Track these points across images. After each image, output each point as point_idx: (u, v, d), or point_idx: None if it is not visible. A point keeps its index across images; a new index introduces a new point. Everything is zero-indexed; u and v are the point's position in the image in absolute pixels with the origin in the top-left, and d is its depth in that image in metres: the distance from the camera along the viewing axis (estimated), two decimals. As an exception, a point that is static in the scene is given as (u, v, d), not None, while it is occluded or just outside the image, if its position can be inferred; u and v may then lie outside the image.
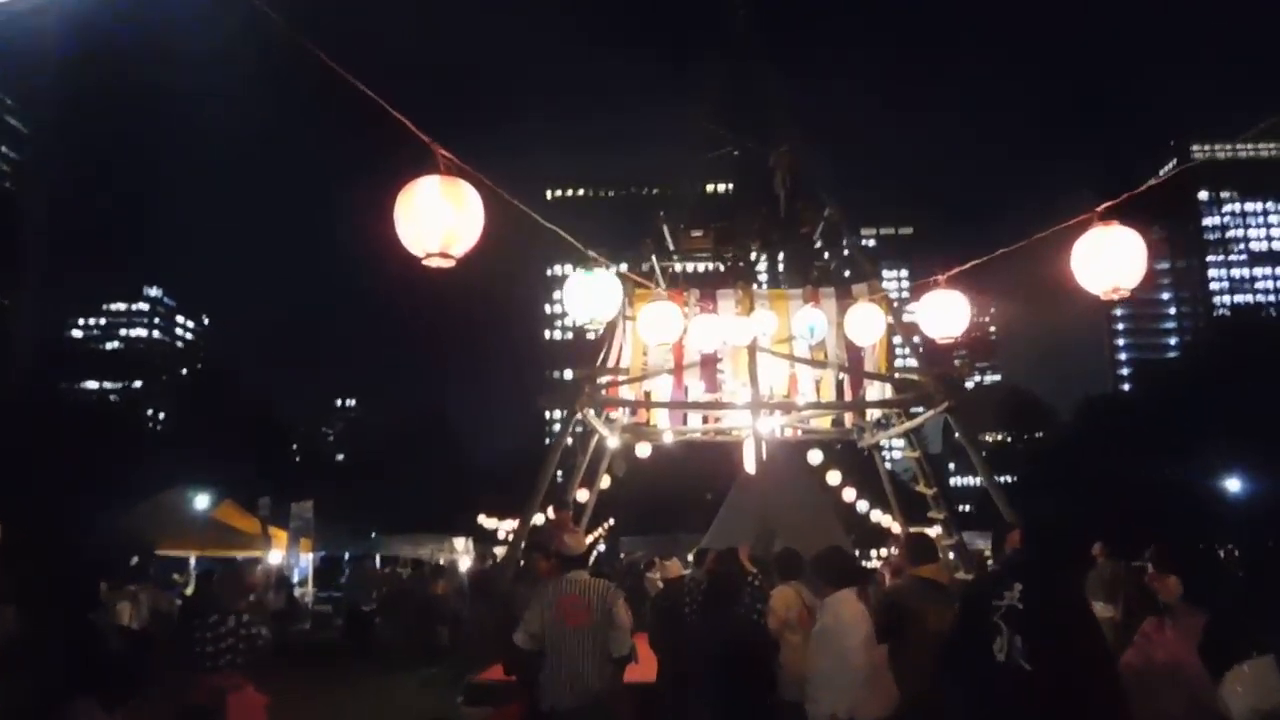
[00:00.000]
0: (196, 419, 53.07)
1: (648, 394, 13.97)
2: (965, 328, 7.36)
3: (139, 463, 36.35)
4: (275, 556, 23.35)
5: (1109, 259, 4.89)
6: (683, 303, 13.10)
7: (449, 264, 3.94)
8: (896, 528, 29.59)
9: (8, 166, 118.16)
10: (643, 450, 19.37)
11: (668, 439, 15.30)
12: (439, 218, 3.85)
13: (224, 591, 6.02)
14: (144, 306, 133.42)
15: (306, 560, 26.43)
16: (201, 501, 24.60)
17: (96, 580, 7.29)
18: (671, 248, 13.64)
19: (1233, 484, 36.72)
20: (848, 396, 13.20)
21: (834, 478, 21.88)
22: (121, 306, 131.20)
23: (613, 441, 14.94)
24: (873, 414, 14.76)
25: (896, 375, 12.74)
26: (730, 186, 15.12)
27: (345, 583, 26.26)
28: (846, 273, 14.11)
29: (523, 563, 9.03)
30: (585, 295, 6.85)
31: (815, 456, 19.96)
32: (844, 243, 14.03)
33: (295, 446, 65.51)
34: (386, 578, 25.52)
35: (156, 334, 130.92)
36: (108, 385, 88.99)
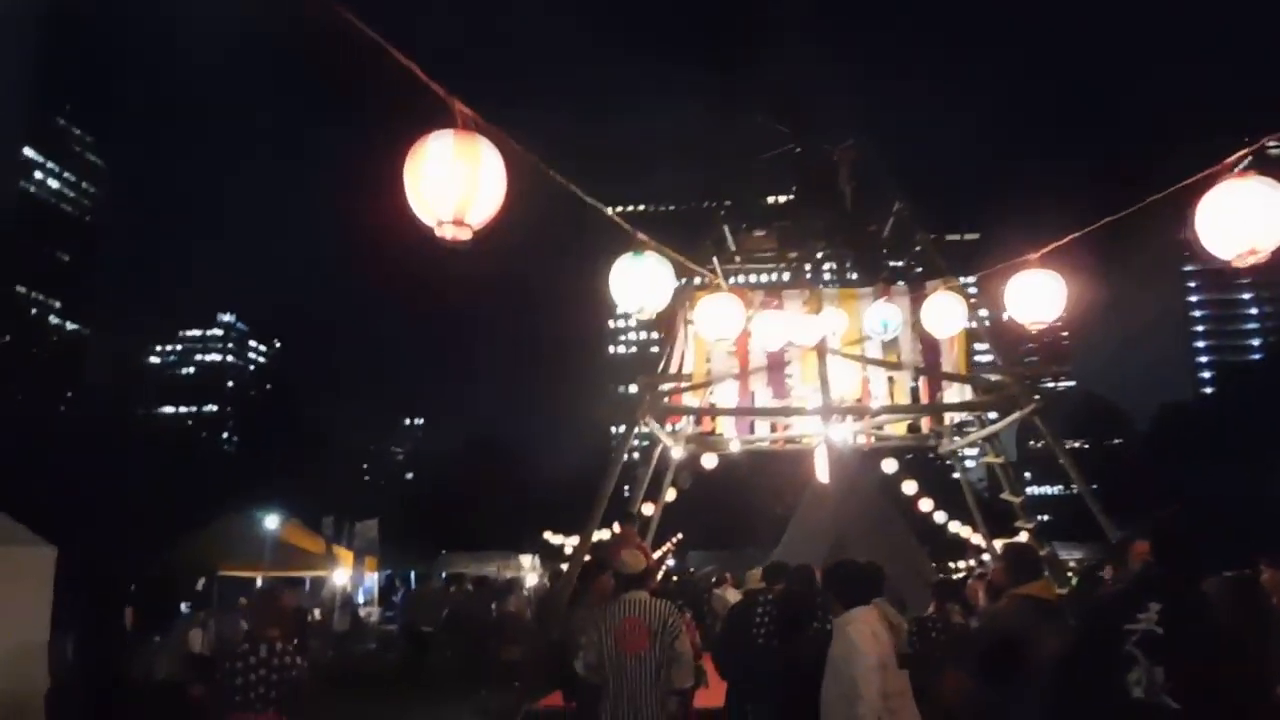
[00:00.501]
0: (266, 441, 53.83)
1: (712, 403, 13.38)
2: (1059, 313, 6.61)
3: (211, 485, 36.85)
4: (340, 576, 23.36)
5: (1244, 214, 4.22)
6: (747, 303, 12.53)
7: (465, 235, 3.44)
8: (976, 539, 28.51)
9: (89, 201, 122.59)
10: (709, 461, 18.79)
11: (735, 448, 14.67)
12: (452, 180, 3.37)
13: (254, 618, 5.48)
14: (218, 332, 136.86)
15: (372, 580, 26.40)
16: (267, 522, 24.68)
17: (164, 603, 6.92)
18: (733, 248, 13.06)
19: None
20: (923, 400, 12.44)
21: (909, 488, 21.04)
22: (197, 332, 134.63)
23: (677, 452, 14.38)
24: (951, 419, 13.97)
25: (978, 376, 11.95)
26: (790, 196, 14.50)
27: (401, 602, 26.09)
28: (919, 269, 13.38)
29: (580, 582, 8.49)
30: (633, 281, 6.19)
31: (889, 465, 19.14)
32: (915, 240, 13.31)
33: (365, 466, 66.19)
34: (448, 596, 25.31)
35: (230, 358, 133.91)
36: (183, 410, 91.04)
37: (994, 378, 11.68)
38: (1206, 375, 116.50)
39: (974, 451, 14.74)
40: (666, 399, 12.60)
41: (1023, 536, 23.72)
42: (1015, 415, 11.39)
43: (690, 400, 12.91)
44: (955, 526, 25.61)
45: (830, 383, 11.77)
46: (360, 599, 25.21)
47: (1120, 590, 4.62)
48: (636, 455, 13.13)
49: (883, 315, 8.89)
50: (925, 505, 22.46)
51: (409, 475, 75.42)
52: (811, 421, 13.90)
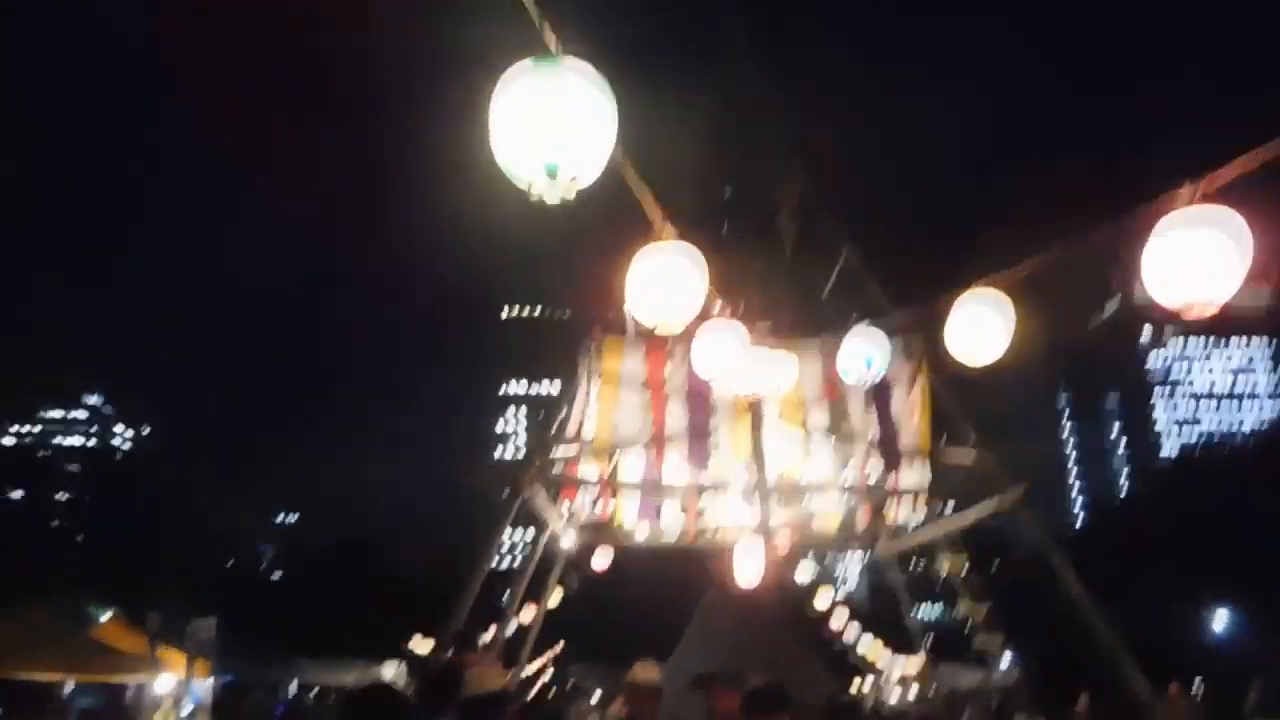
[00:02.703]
0: (113, 532, 49.92)
1: (616, 478, 10.89)
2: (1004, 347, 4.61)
3: (25, 573, 32.82)
4: (167, 681, 20.46)
5: (1197, 257, 3.41)
6: (664, 354, 10.24)
7: (574, 191, 2.68)
8: (888, 657, 26.30)
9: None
10: (600, 560, 16.21)
11: (640, 537, 12.09)
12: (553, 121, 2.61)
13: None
14: (82, 414, 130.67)
15: (203, 687, 23.16)
16: (77, 615, 21.32)
17: None
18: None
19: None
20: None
21: (824, 600, 18.77)
22: (58, 414, 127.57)
23: (567, 541, 11.76)
24: (894, 515, 11.78)
25: (945, 455, 9.81)
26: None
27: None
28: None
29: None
30: (662, 279, 4.18)
31: (806, 570, 16.88)
32: (866, 290, 11.32)
33: (231, 564, 62.17)
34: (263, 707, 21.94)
35: (93, 443, 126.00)
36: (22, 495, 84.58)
37: (965, 459, 9.55)
38: (1077, 510, 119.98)
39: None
40: (560, 468, 10.05)
41: (920, 658, 21.76)
42: (990, 502, 9.24)
43: (589, 471, 10.37)
44: (864, 644, 23.50)
45: (765, 456, 9.47)
46: (185, 710, 21.92)
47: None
48: (517, 555, 10.41)
49: (866, 350, 6.61)
50: (839, 619, 20.26)
51: (275, 575, 71.14)
52: (733, 508, 11.53)
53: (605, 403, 10.05)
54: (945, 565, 10.80)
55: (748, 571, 10.14)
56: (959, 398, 9.89)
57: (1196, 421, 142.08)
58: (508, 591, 11.95)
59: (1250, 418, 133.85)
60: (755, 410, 9.68)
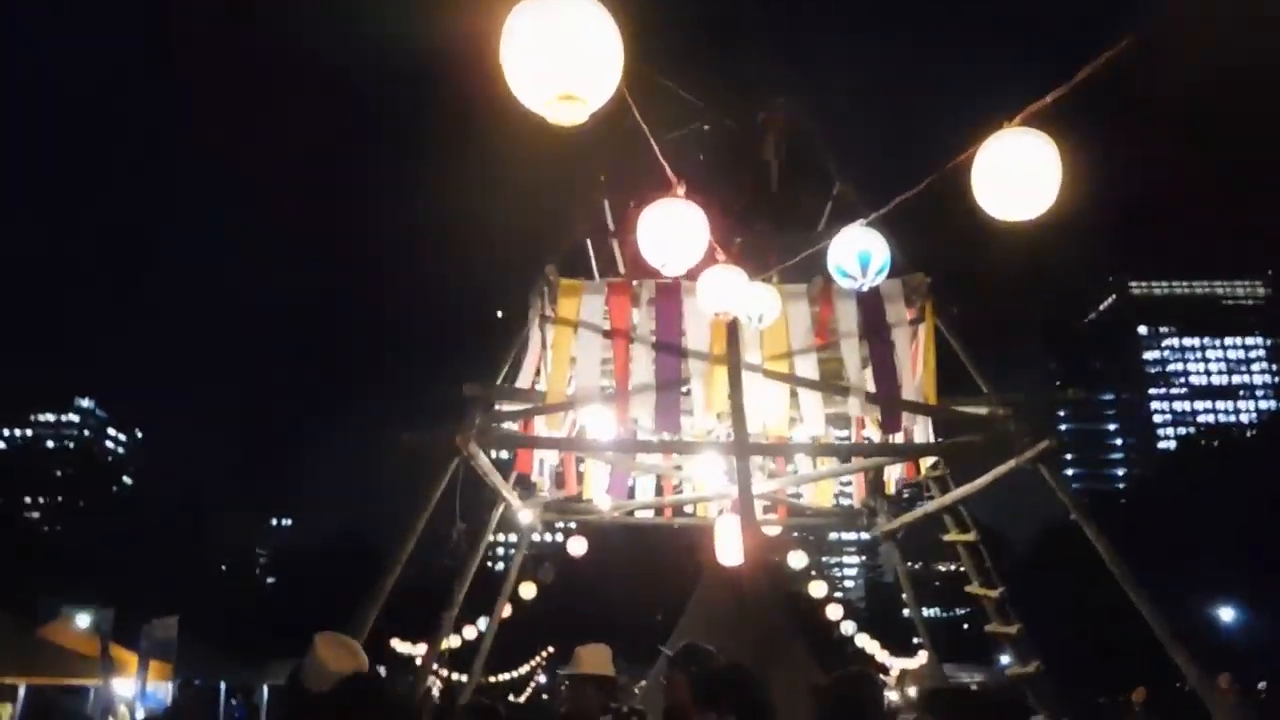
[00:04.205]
0: (108, 536, 49.25)
1: (579, 435, 9.49)
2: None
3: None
4: (125, 685, 19.23)
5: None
6: (629, 299, 8.86)
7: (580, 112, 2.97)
8: (887, 657, 24.93)
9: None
10: (576, 547, 14.82)
11: (609, 513, 10.71)
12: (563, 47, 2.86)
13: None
14: (74, 418, 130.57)
15: (163, 690, 21.89)
16: (32, 614, 20.35)
17: None
18: (611, 227, 9.42)
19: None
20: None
21: (818, 589, 17.42)
22: (50, 417, 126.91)
23: (525, 516, 10.37)
24: (895, 484, 10.40)
25: (954, 406, 8.40)
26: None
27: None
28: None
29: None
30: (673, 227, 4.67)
31: (798, 559, 15.47)
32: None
33: (224, 569, 61.39)
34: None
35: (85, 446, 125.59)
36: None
37: (979, 409, 8.15)
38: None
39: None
40: (510, 425, 8.63)
41: (922, 656, 20.41)
42: (1007, 465, 7.86)
43: (543, 429, 8.96)
44: (862, 640, 22.22)
45: (747, 410, 8.10)
46: (139, 714, 20.65)
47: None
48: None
49: (860, 245, 5.30)
50: (834, 612, 18.93)
51: (270, 579, 70.72)
52: (711, 479, 10.14)
53: (560, 351, 8.66)
54: (955, 536, 9.38)
55: (730, 549, 8.81)
56: (969, 345, 8.51)
57: (1194, 416, 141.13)
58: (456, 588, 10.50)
59: (1246, 413, 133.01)
60: (734, 361, 8.32)
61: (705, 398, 8.51)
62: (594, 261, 9.75)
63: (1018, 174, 3.46)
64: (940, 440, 8.43)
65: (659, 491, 11.33)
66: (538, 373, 8.87)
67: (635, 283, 8.82)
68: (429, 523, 8.12)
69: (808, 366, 8.53)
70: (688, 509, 11.70)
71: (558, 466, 10.44)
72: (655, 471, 11.09)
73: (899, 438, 8.52)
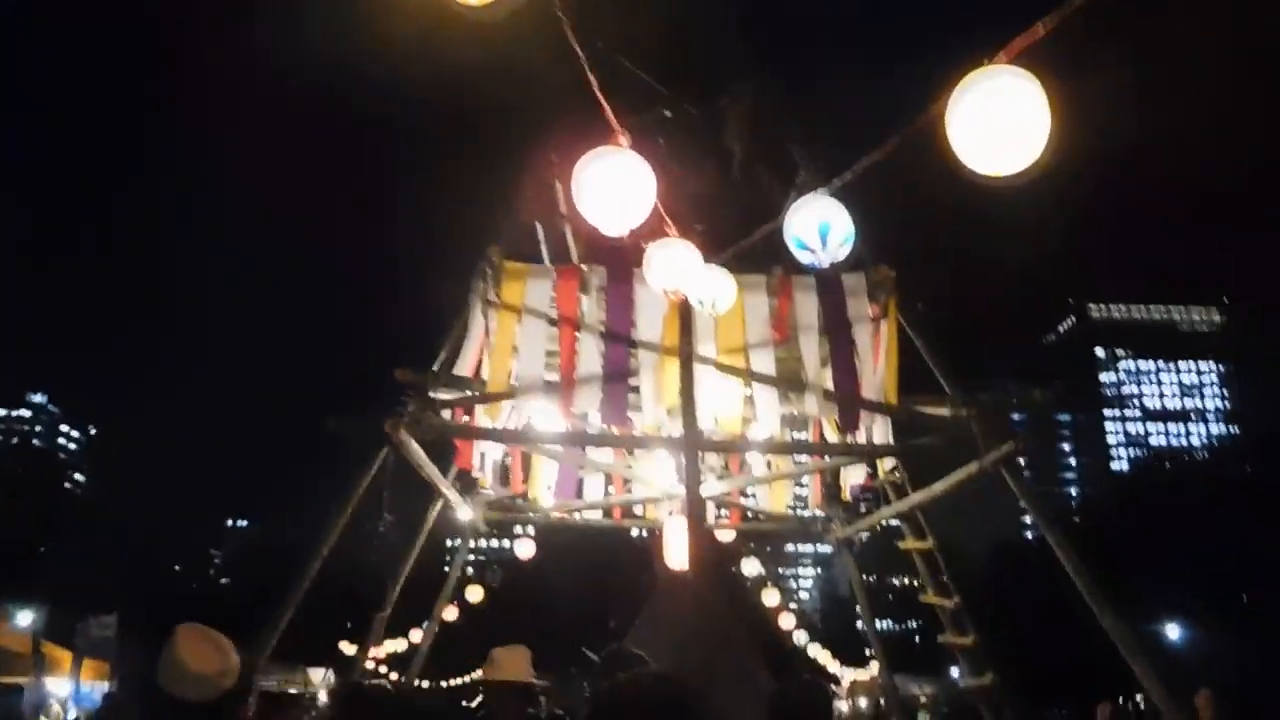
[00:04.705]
0: (58, 534, 48.28)
1: (523, 425, 8.99)
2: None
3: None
4: (59, 684, 19.13)
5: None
6: (578, 285, 8.40)
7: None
8: (838, 667, 24.61)
9: None
10: (524, 550, 14.36)
11: (546, 503, 10.19)
12: None
13: None
14: (25, 413, 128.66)
15: (100, 690, 21.27)
16: None
17: None
18: (564, 210, 8.94)
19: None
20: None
21: (772, 598, 17.01)
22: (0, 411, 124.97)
23: (464, 513, 9.84)
24: (853, 490, 10.01)
25: (918, 407, 8.01)
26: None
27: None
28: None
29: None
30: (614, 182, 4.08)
31: (753, 567, 15.10)
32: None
33: (177, 569, 60.58)
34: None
35: (36, 443, 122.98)
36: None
37: (941, 411, 7.77)
38: (1028, 520, 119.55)
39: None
40: (446, 414, 8.12)
41: (874, 667, 20.10)
42: (969, 468, 7.48)
43: (487, 424, 8.45)
44: (814, 650, 21.89)
45: (698, 404, 7.66)
46: (71, 713, 20.07)
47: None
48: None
49: (820, 215, 4.89)
50: (787, 622, 18.53)
51: (224, 580, 69.68)
52: (661, 477, 9.70)
53: (503, 339, 8.17)
54: (910, 544, 8.99)
55: (677, 550, 8.37)
56: (933, 343, 8.13)
57: (1147, 439, 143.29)
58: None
59: (1197, 436, 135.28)
60: (686, 351, 7.87)
61: (655, 390, 8.06)
62: (543, 246, 9.27)
63: (1001, 121, 3.01)
64: (899, 442, 8.03)
65: (609, 492, 10.85)
66: (480, 362, 8.36)
67: (585, 268, 8.36)
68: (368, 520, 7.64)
69: (764, 362, 8.11)
70: (637, 510, 11.25)
71: (502, 461, 9.93)
72: (606, 470, 10.61)
73: (858, 438, 8.12)
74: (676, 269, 5.61)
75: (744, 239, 7.70)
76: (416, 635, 17.41)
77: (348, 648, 27.72)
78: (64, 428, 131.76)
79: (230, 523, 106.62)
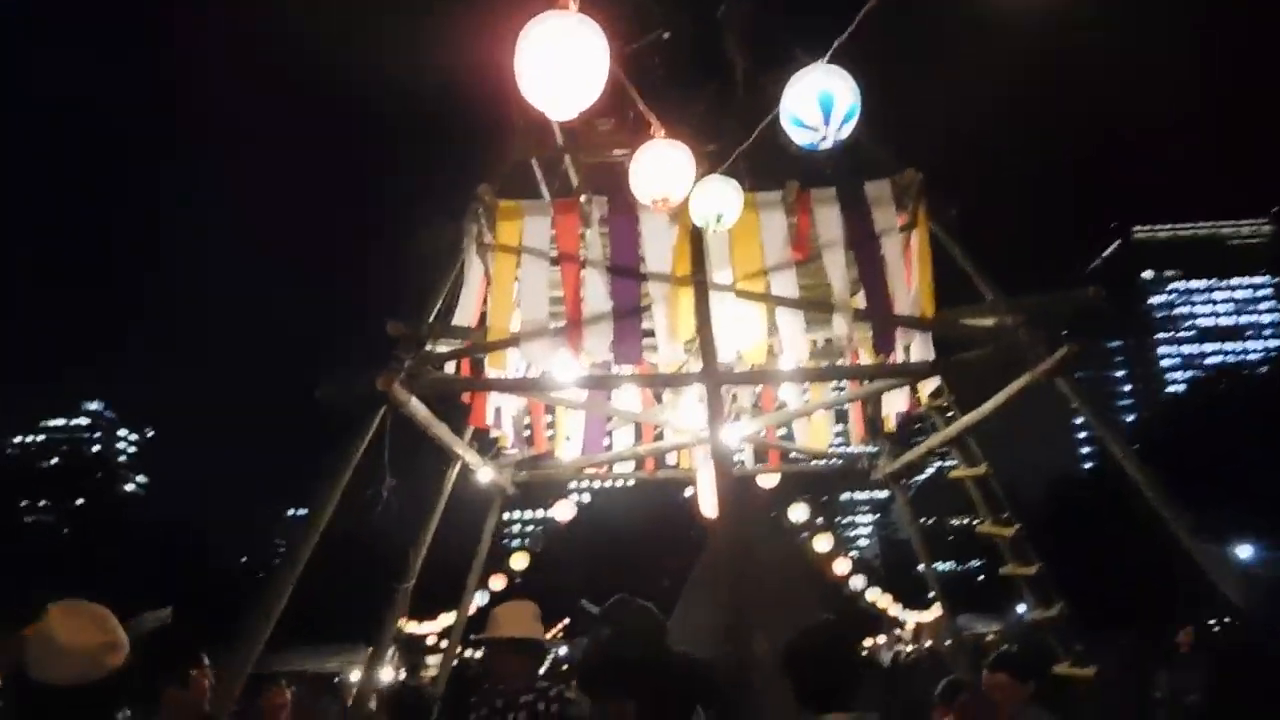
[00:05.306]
0: (121, 536, 49.14)
1: (532, 376, 8.44)
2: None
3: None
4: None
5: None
6: (578, 219, 7.77)
7: None
8: (899, 610, 24.02)
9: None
10: (563, 512, 13.94)
11: (568, 458, 9.64)
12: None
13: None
14: (84, 421, 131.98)
15: None
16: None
17: None
18: (559, 142, 8.30)
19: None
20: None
21: (823, 543, 16.46)
22: (60, 422, 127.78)
23: (485, 475, 9.34)
24: (893, 419, 9.32)
25: (955, 320, 7.32)
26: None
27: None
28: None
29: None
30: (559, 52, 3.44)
31: (799, 512, 14.51)
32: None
33: (244, 560, 61.16)
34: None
35: (96, 449, 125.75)
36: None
37: (984, 321, 7.08)
38: (1086, 451, 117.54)
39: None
40: (450, 367, 7.59)
41: (937, 609, 19.45)
42: (1022, 380, 6.79)
43: (491, 373, 7.91)
44: (874, 594, 21.33)
45: (718, 336, 7.05)
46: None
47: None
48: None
49: (821, 86, 4.23)
50: (841, 568, 17.98)
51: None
52: (689, 420, 9.10)
53: (502, 283, 7.58)
54: (963, 471, 8.33)
55: (707, 496, 7.80)
56: (970, 249, 7.41)
57: (1203, 359, 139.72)
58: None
59: (1255, 353, 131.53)
60: (700, 279, 7.25)
61: (670, 324, 7.43)
62: (542, 185, 8.65)
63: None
64: (942, 359, 7.34)
65: (638, 441, 10.28)
66: (484, 312, 7.79)
67: (584, 199, 7.73)
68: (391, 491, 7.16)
69: (786, 285, 7.44)
70: (670, 459, 10.68)
71: (520, 417, 9.39)
72: (633, 419, 10.04)
73: (895, 359, 7.44)
74: (664, 174, 5.02)
75: (753, 152, 6.98)
76: (472, 606, 17.16)
77: (408, 624, 27.83)
78: (123, 431, 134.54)
79: (291, 512, 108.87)
